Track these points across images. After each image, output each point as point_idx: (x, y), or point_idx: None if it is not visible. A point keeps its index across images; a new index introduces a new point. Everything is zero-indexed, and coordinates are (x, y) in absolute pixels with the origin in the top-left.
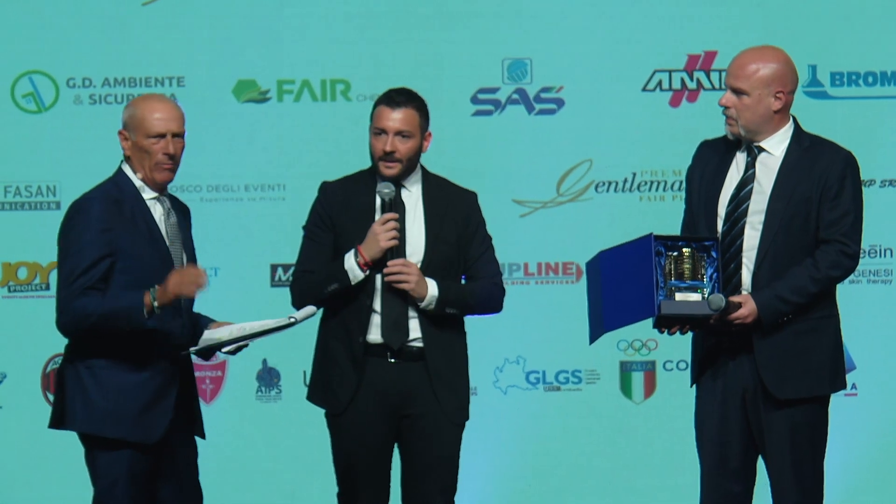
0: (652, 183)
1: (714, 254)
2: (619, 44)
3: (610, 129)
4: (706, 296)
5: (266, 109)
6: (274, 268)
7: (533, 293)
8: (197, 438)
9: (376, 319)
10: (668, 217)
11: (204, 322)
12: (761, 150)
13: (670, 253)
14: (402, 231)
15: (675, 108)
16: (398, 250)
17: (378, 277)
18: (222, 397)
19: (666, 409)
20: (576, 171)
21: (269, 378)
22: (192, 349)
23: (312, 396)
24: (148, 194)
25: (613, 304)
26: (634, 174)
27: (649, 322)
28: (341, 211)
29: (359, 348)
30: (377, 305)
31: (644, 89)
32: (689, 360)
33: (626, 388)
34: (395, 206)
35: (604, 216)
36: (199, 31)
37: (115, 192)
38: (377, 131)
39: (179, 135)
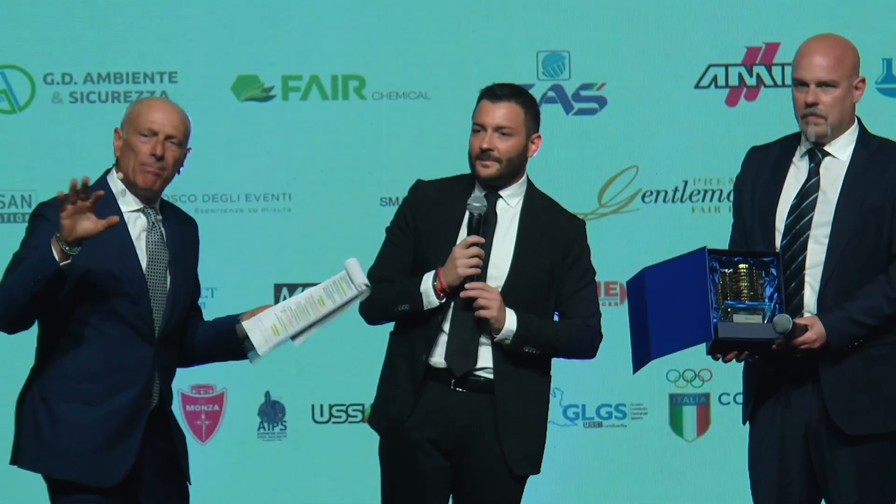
0: (706, 192)
1: (774, 271)
2: (668, 35)
3: (658, 132)
4: (767, 317)
5: (269, 109)
6: (278, 288)
7: None
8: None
9: (443, 340)
10: (724, 230)
11: (228, 323)
12: (825, 154)
13: (725, 269)
14: (487, 249)
15: (733, 108)
16: (478, 275)
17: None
18: (219, 435)
19: (721, 448)
20: (620, 178)
21: (272, 413)
22: (260, 353)
23: (371, 419)
24: (129, 205)
25: (662, 328)
26: (686, 182)
27: (701, 349)
28: (428, 215)
29: (420, 369)
30: (446, 326)
31: (697, 86)
32: (751, 387)
33: (676, 425)
34: (485, 224)
35: (651, 230)
36: (193, 20)
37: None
38: (476, 128)
39: (174, 140)
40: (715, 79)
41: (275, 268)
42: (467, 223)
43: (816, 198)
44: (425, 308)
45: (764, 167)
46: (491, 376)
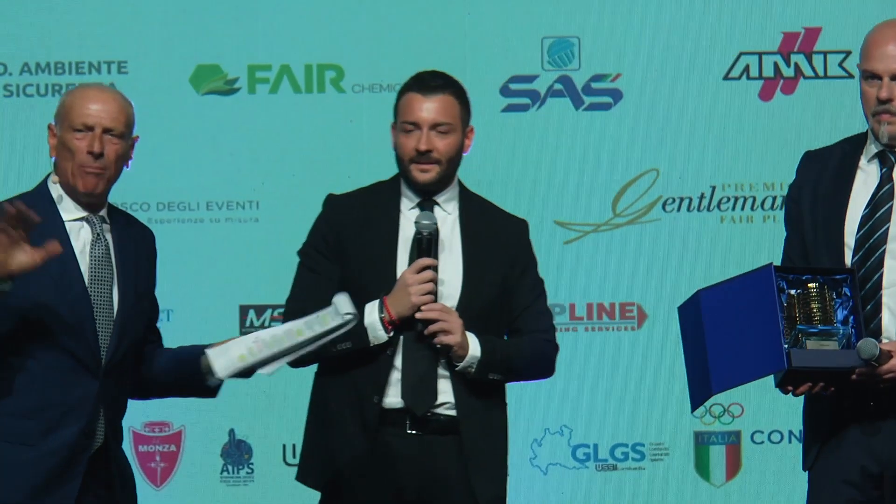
0: (736, 200)
1: (847, 291)
2: (693, 18)
3: (682, 130)
4: (842, 343)
5: (234, 103)
6: (244, 310)
7: (581, 343)
8: None
9: (396, 377)
10: (757, 243)
11: (192, 354)
12: None
13: (792, 290)
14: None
15: (767, 102)
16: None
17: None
18: (177, 479)
19: (754, 494)
20: (638, 183)
21: (237, 454)
22: (218, 375)
23: (305, 475)
24: (70, 213)
25: (723, 358)
26: (714, 188)
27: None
28: (355, 235)
29: (372, 413)
30: (398, 360)
31: (726, 77)
32: (784, 431)
33: (702, 467)
34: (434, 244)
35: (674, 243)
36: (146, 1)
37: None
38: (407, 127)
39: (114, 133)
40: (747, 69)
41: (240, 287)
42: (414, 244)
43: (891, 207)
44: (372, 344)
45: (825, 174)
46: (452, 413)
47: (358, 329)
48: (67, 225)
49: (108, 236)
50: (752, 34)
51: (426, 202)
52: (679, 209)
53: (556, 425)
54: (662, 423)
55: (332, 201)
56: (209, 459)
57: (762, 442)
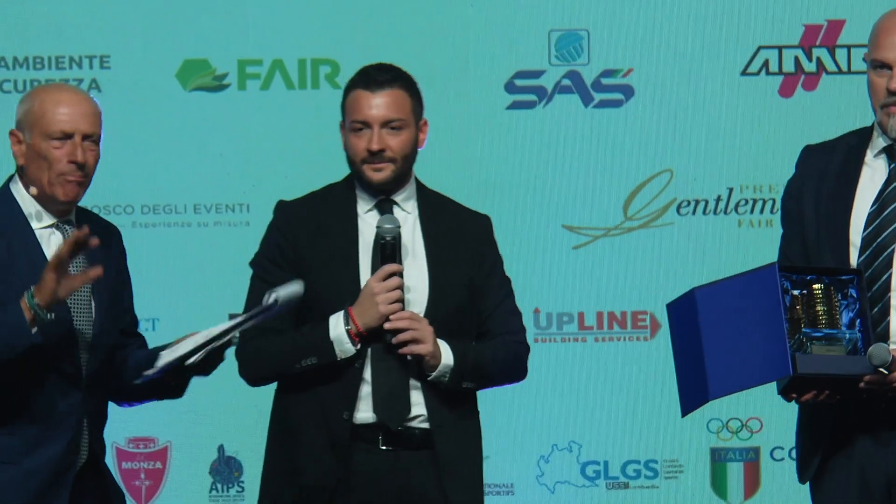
0: (755, 202)
1: (854, 292)
2: (709, 10)
3: (697, 128)
4: (849, 348)
5: (223, 100)
6: (233, 317)
7: (590, 354)
8: None
9: (366, 391)
10: (777, 248)
11: (155, 353)
12: None
13: (796, 291)
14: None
15: (788, 99)
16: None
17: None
18: (163, 498)
19: None
20: (650, 185)
21: (227, 471)
22: (149, 372)
23: (268, 499)
24: (41, 221)
25: (721, 362)
26: (731, 190)
27: (751, 393)
28: (311, 243)
29: (344, 429)
30: (367, 373)
31: (744, 73)
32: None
33: (719, 485)
34: (398, 248)
35: (689, 248)
36: None
37: None
38: (356, 126)
39: (92, 138)
40: (766, 64)
41: (230, 295)
42: (377, 249)
43: None
44: (339, 358)
45: (828, 170)
46: (426, 426)
47: (324, 344)
48: (37, 233)
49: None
50: (771, 27)
51: (384, 203)
52: (694, 212)
53: (565, 441)
54: (677, 438)
55: (283, 208)
56: (197, 477)
57: (782, 459)
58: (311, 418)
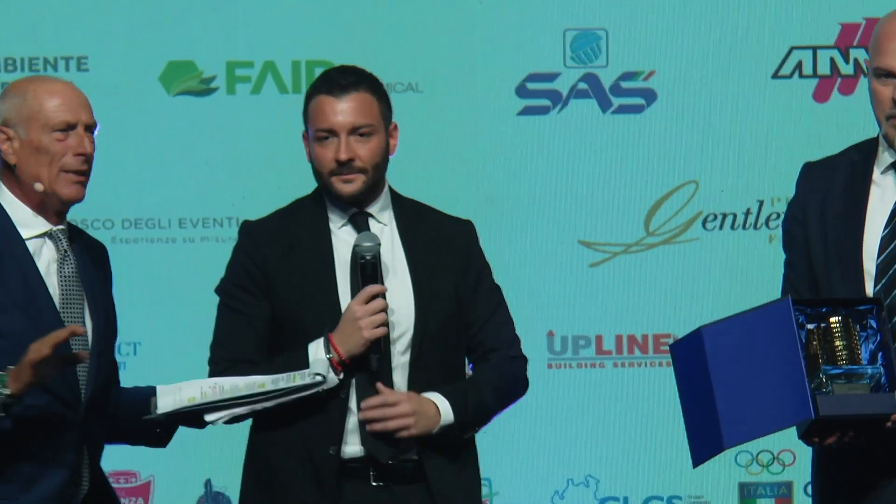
0: None
1: (873, 323)
2: (738, 8)
3: (724, 136)
4: (872, 385)
5: (210, 105)
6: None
7: (609, 381)
8: None
9: (353, 422)
10: None
11: (145, 394)
12: None
13: (812, 325)
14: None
15: (823, 104)
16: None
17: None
18: None
19: None
20: (674, 198)
21: None
22: (158, 413)
23: None
24: (31, 229)
25: (735, 406)
26: (761, 203)
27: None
28: (282, 265)
29: (329, 466)
30: (352, 402)
31: (776, 76)
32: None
33: None
34: (378, 267)
35: (716, 265)
36: None
37: None
38: (321, 135)
39: (92, 129)
40: (799, 66)
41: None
42: (355, 269)
43: None
44: (321, 390)
45: (832, 189)
46: (416, 457)
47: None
48: (28, 243)
49: (72, 253)
50: (805, 26)
51: (358, 216)
52: (721, 227)
53: (581, 475)
54: (702, 472)
55: (248, 229)
56: None
57: None
58: (292, 455)
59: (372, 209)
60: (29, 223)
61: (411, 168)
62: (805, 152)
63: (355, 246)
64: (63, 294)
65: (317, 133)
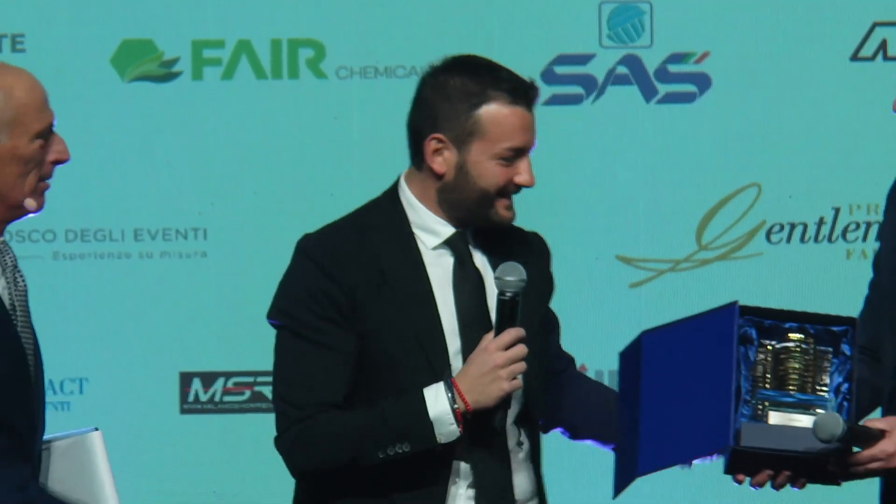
0: (868, 226)
1: (846, 348)
2: None
3: (793, 130)
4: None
5: (172, 93)
6: (186, 379)
7: None
8: None
9: (462, 490)
10: None
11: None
12: None
13: (768, 342)
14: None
15: None
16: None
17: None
18: None
19: None
20: (732, 204)
21: None
22: None
23: None
24: None
25: (657, 428)
26: (837, 211)
27: None
28: (373, 294)
29: None
30: (465, 460)
31: (855, 57)
32: None
33: None
34: (517, 307)
35: (782, 284)
36: None
37: None
38: (506, 153)
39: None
40: (883, 45)
41: (179, 346)
42: (497, 308)
43: None
44: (440, 444)
45: None
46: None
47: (421, 427)
48: None
49: (18, 270)
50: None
51: (459, 238)
52: (789, 239)
53: None
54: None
55: (325, 249)
56: None
57: None
58: None
59: (470, 233)
60: None
61: None
62: (890, 150)
63: (497, 279)
64: (20, 319)
65: (501, 149)
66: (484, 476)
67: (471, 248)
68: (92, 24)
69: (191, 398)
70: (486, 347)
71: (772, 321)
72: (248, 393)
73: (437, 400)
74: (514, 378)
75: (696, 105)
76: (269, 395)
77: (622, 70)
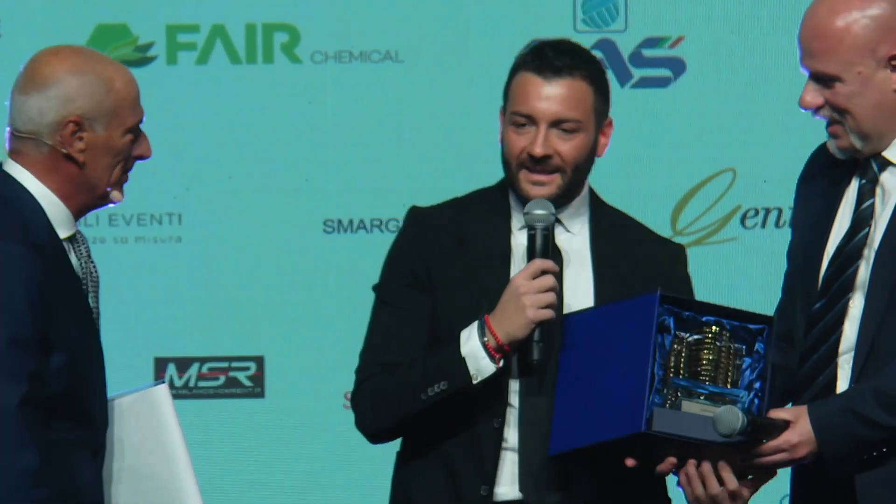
0: None
1: (760, 347)
2: None
3: (767, 114)
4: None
5: (147, 77)
6: (161, 364)
7: None
8: None
9: (510, 459)
10: None
11: None
12: (887, 163)
13: (683, 334)
14: (559, 296)
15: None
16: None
17: (516, 381)
18: None
19: None
20: (706, 189)
21: None
22: None
23: None
24: (65, 230)
25: (573, 410)
26: None
27: None
28: (447, 262)
29: None
30: (509, 432)
31: None
32: None
33: None
34: (550, 241)
35: (756, 269)
36: None
37: (30, 233)
38: (518, 119)
39: None
40: None
41: (155, 332)
42: (522, 248)
43: (866, 235)
44: (474, 382)
45: (818, 184)
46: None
47: (454, 364)
48: (65, 245)
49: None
50: None
51: (545, 219)
52: (764, 224)
53: None
54: None
55: (415, 217)
56: None
57: None
58: (439, 495)
59: (562, 214)
60: (63, 223)
61: (388, 151)
62: None
63: (524, 214)
64: (94, 298)
65: (514, 116)
66: (525, 434)
67: (568, 232)
68: (67, 9)
69: (166, 380)
70: (513, 277)
71: (690, 313)
72: (222, 378)
73: (469, 337)
74: (544, 307)
75: (671, 90)
76: (243, 381)
77: (597, 54)
